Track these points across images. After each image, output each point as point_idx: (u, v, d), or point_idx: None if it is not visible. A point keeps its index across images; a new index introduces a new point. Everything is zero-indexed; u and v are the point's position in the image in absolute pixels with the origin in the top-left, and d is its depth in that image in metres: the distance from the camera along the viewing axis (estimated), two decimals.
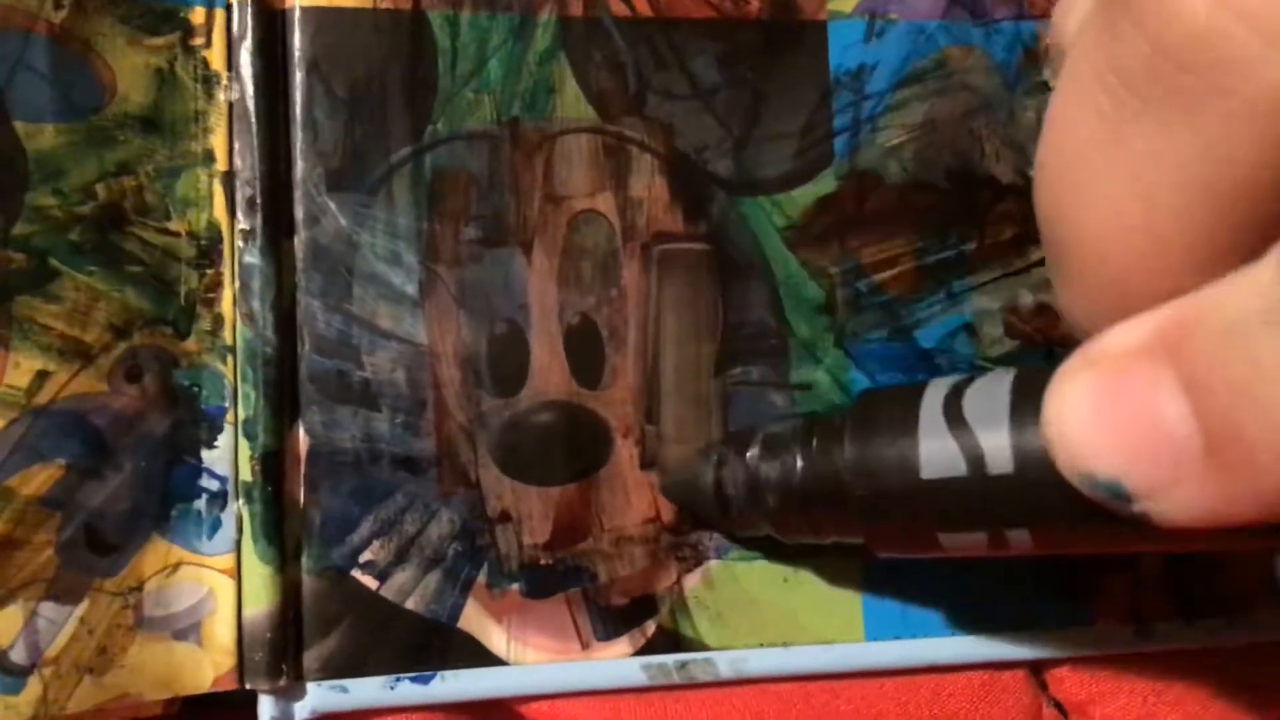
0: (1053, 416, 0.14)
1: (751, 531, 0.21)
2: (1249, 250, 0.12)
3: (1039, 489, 0.15)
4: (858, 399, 0.19)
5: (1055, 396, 0.14)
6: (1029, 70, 0.24)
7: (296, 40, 0.22)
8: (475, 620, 0.21)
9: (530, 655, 0.21)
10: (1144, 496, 0.13)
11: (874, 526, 0.18)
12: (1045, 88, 0.24)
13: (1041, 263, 0.24)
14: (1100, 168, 0.13)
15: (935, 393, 0.17)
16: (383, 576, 0.21)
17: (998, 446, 0.16)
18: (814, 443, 0.19)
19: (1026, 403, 0.16)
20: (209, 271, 0.21)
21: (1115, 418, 0.13)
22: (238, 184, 0.21)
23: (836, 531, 0.20)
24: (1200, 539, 0.14)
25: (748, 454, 0.20)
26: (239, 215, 0.21)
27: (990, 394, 0.16)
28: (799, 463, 0.19)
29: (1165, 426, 0.12)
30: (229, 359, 0.21)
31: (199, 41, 0.21)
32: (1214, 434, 0.12)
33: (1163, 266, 0.13)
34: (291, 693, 0.21)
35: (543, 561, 0.22)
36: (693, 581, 0.22)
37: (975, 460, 0.16)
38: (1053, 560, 0.23)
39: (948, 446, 0.17)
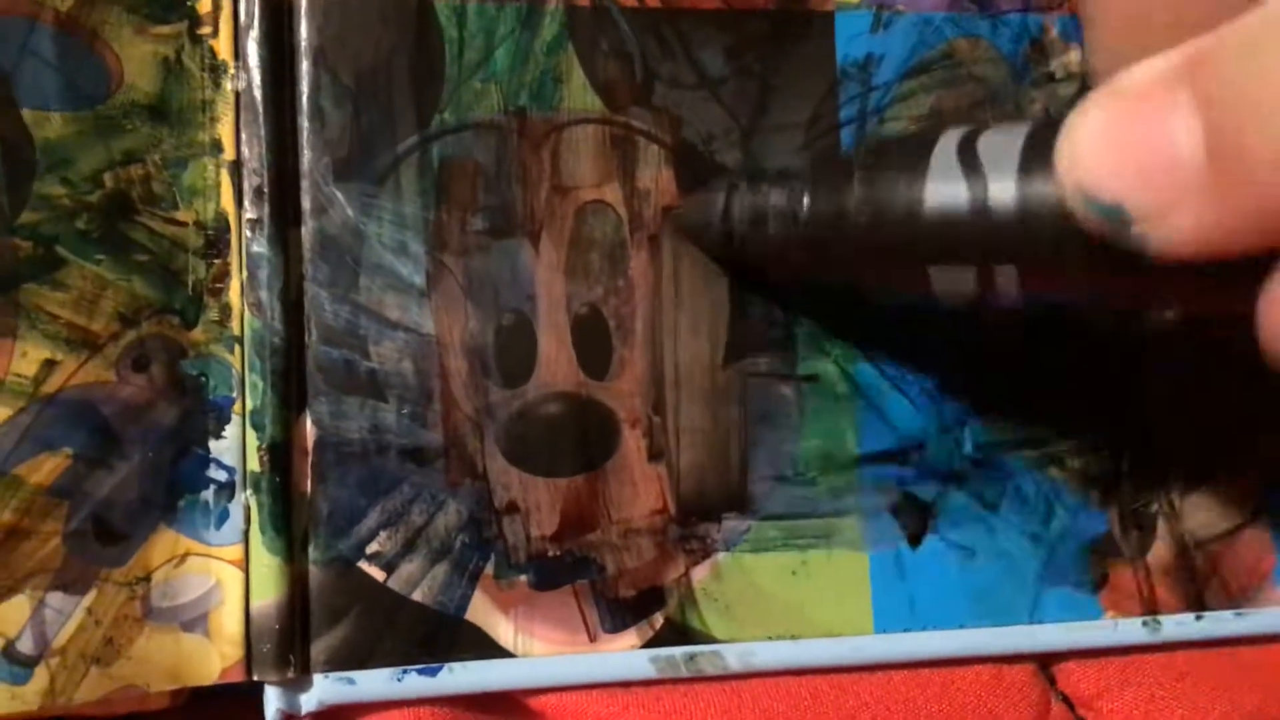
0: (1065, 140, 0.14)
1: (747, 268, 0.21)
2: None
3: (1036, 222, 0.15)
4: (870, 141, 0.19)
5: (1072, 122, 0.14)
6: (1036, 62, 0.24)
7: (303, 29, 0.22)
8: (483, 612, 0.21)
9: (538, 647, 0.21)
10: (1144, 219, 0.13)
11: (868, 263, 0.18)
12: (1052, 79, 0.24)
13: None
14: None
15: (950, 136, 0.17)
16: (390, 568, 0.21)
17: (1003, 184, 0.16)
18: (823, 181, 0.19)
19: (1040, 148, 0.16)
20: (216, 261, 0.21)
21: (1127, 139, 0.13)
22: (245, 173, 0.21)
23: (833, 268, 0.19)
24: (1185, 286, 0.15)
25: (760, 184, 0.20)
26: (246, 205, 0.21)
27: (1005, 138, 0.16)
28: (806, 193, 0.19)
29: (1174, 147, 0.13)
30: (236, 349, 0.21)
31: (206, 30, 0.21)
32: (1220, 149, 0.12)
33: None
34: (298, 684, 0.21)
35: (550, 553, 0.22)
36: (701, 574, 0.22)
37: (979, 194, 0.16)
38: (1061, 553, 0.23)
39: (954, 180, 0.17)
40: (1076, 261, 0.15)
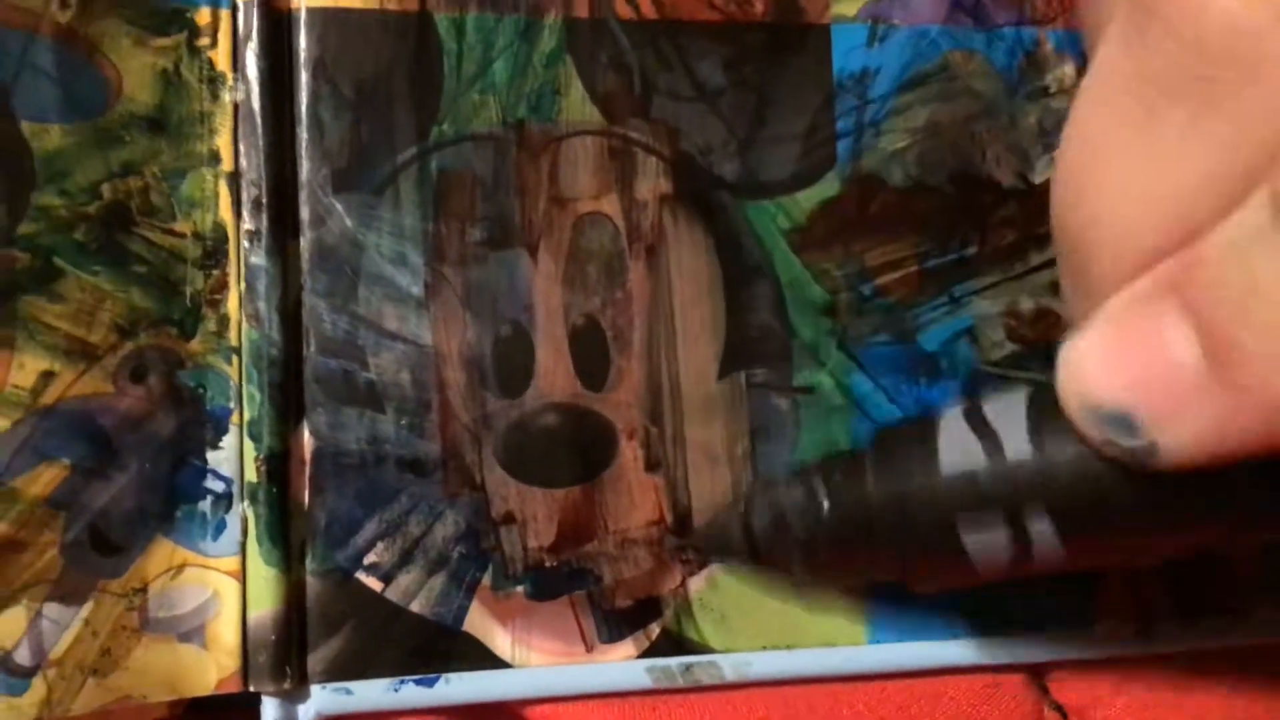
0: (1065, 362, 0.14)
1: (784, 575, 0.21)
2: None
3: (1058, 469, 0.16)
4: (875, 433, 0.19)
5: (1068, 347, 0.14)
6: (1030, 75, 0.24)
7: (302, 41, 0.22)
8: (480, 622, 0.21)
9: (535, 658, 0.21)
10: (1152, 426, 0.13)
11: (900, 543, 0.18)
12: (1046, 93, 0.24)
13: (1040, 268, 0.24)
14: (1129, 168, 0.14)
15: (953, 410, 0.18)
16: (387, 578, 0.21)
17: (1017, 438, 0.16)
18: (837, 471, 0.19)
19: (1044, 398, 0.16)
20: (214, 272, 0.21)
21: (1124, 352, 0.14)
22: (243, 184, 0.21)
23: (866, 560, 0.19)
24: (1211, 516, 0.15)
25: (772, 492, 0.20)
26: (244, 216, 0.21)
27: (1008, 401, 0.17)
28: (823, 489, 0.19)
29: (1171, 354, 0.13)
30: (234, 360, 0.21)
31: (205, 42, 0.21)
32: (1216, 353, 0.12)
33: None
34: (296, 695, 0.21)
35: (547, 564, 0.22)
36: (697, 584, 0.22)
37: (995, 449, 0.17)
38: None
39: (969, 444, 0.17)
40: (1107, 503, 0.15)
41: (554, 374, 0.22)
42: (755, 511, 0.20)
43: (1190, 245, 0.13)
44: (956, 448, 0.17)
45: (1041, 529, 0.17)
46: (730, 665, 0.22)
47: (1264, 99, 0.12)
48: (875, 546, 0.19)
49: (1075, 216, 0.15)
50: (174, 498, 0.21)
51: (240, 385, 0.21)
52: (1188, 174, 0.13)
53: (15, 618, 0.19)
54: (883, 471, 0.18)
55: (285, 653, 0.21)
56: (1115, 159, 0.14)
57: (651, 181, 0.23)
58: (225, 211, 0.21)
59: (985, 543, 0.17)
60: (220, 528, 0.21)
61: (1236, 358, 0.12)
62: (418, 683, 0.21)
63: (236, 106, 0.21)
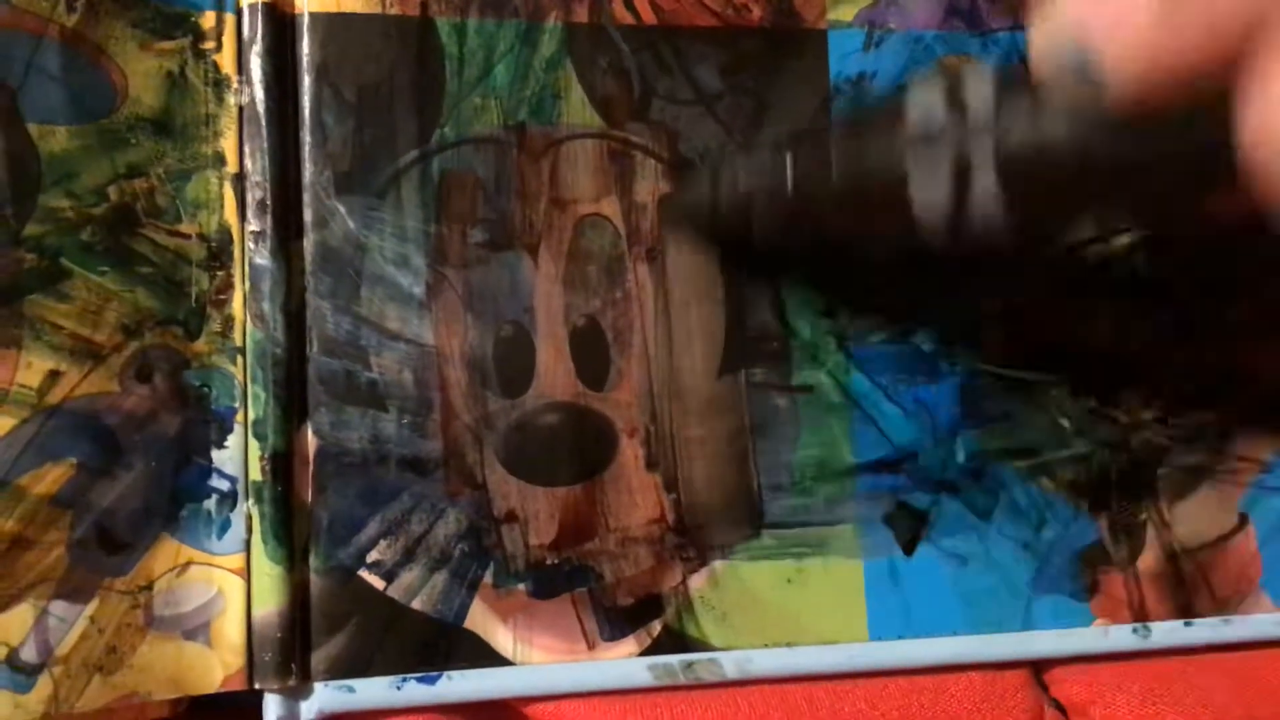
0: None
1: (736, 243, 0.22)
2: None
3: (1011, 128, 0.17)
4: (846, 112, 0.21)
5: None
6: None
7: (306, 45, 0.22)
8: (481, 620, 0.21)
9: (536, 655, 0.22)
10: (1098, 43, 0.15)
11: (852, 206, 0.19)
12: None
13: None
14: None
15: (929, 82, 0.19)
16: (390, 576, 0.21)
17: (984, 109, 0.18)
18: (803, 150, 0.20)
19: (1012, 78, 0.18)
20: (219, 273, 0.21)
21: None
22: (248, 186, 0.22)
23: (814, 224, 0.20)
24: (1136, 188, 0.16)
25: (744, 164, 0.21)
26: (249, 217, 0.21)
27: (977, 75, 0.18)
28: (789, 168, 0.20)
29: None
30: (239, 360, 0.21)
31: (210, 45, 0.22)
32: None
33: None
34: (299, 692, 0.21)
35: (549, 561, 0.22)
36: (698, 582, 0.22)
37: (958, 116, 0.18)
38: (1053, 561, 0.23)
39: (935, 110, 0.18)
40: (1049, 163, 0.17)
41: (555, 374, 0.22)
42: (724, 180, 0.21)
43: None
44: (922, 113, 0.18)
45: (985, 185, 0.18)
46: (731, 662, 0.22)
47: None
48: (828, 202, 0.20)
49: None
50: (179, 496, 0.21)
51: (245, 385, 0.21)
52: None
53: (22, 615, 0.19)
54: (848, 149, 0.19)
55: (289, 650, 0.21)
56: None
57: (651, 184, 0.23)
58: (230, 213, 0.22)
59: (929, 192, 0.18)
60: (225, 526, 0.21)
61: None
62: (420, 680, 0.21)
63: (241, 109, 0.22)
